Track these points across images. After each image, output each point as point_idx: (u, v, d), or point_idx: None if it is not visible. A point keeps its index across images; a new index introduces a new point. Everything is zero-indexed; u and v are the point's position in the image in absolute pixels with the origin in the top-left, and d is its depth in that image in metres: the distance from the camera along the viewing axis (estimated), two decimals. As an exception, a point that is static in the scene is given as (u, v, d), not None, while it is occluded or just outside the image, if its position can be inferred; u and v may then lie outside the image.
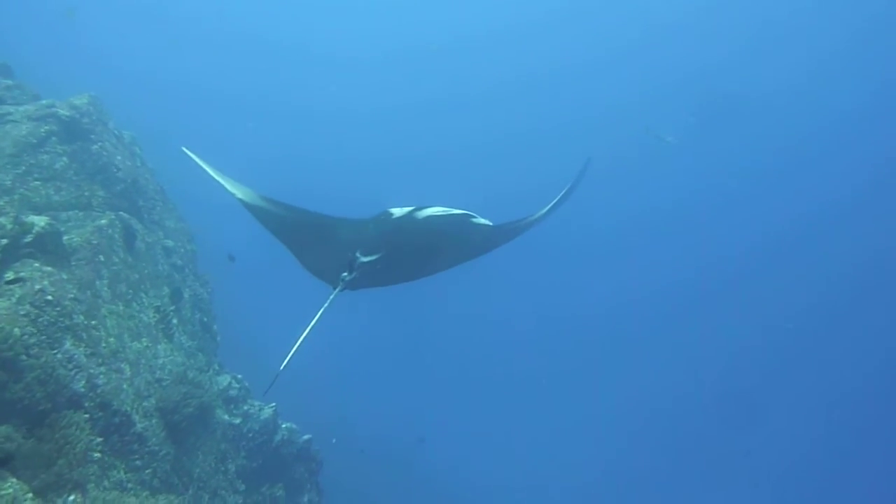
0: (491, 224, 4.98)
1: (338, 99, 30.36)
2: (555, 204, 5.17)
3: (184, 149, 4.84)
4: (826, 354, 24.99)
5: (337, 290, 4.25)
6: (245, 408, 7.92)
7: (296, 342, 3.98)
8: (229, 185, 4.61)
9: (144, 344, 6.56)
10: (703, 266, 27.11)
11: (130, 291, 6.83)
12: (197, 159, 4.72)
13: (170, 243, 8.83)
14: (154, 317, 7.09)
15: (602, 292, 26.34)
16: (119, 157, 8.18)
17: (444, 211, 4.91)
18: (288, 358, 3.94)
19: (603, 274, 26.97)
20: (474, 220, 4.96)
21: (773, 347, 25.05)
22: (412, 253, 4.75)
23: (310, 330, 4.03)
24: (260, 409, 8.04)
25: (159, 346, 6.85)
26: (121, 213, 7.56)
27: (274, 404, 8.21)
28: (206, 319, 8.58)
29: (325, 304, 4.14)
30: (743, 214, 28.08)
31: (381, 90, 30.76)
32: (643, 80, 30.07)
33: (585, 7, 30.60)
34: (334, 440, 15.49)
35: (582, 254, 26.94)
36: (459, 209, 5.00)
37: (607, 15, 30.39)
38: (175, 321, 7.50)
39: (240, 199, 4.58)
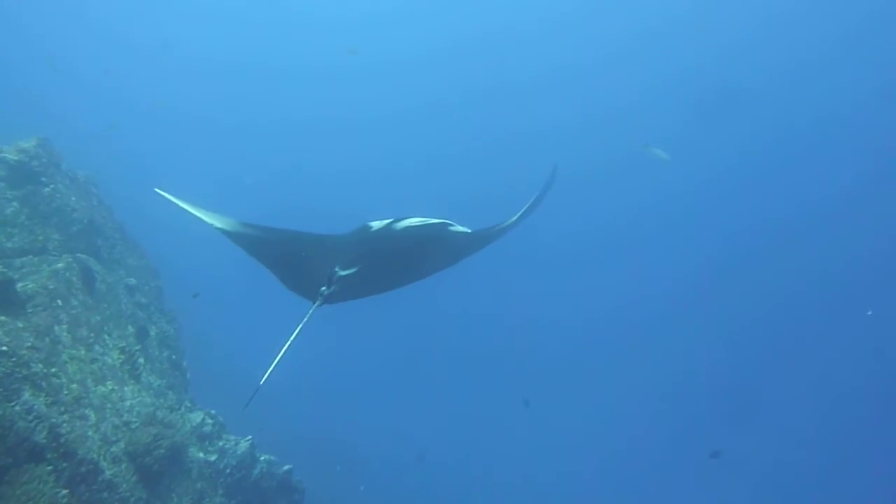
0: (468, 231, 5.08)
1: (312, 114, 30.14)
2: (527, 209, 5.28)
3: (157, 190, 4.84)
4: (821, 353, 25.06)
5: (316, 304, 4.32)
6: (220, 443, 7.75)
7: (275, 358, 4.01)
8: (207, 217, 4.66)
9: (110, 387, 6.39)
10: (696, 265, 27.16)
11: (92, 334, 6.66)
12: (171, 198, 4.74)
13: (132, 281, 8.66)
14: (119, 358, 6.92)
15: (594, 295, 26.31)
16: (74, 198, 8.02)
17: (421, 221, 5.01)
18: (268, 372, 3.96)
19: (594, 277, 26.95)
20: (451, 228, 5.07)
21: (768, 344, 25.15)
22: (390, 264, 4.83)
23: (290, 345, 4.07)
24: (236, 444, 7.88)
25: (126, 388, 6.69)
26: (78, 254, 7.40)
27: (250, 437, 8.06)
28: (174, 356, 8.40)
29: (305, 319, 4.20)
30: (736, 210, 28.15)
31: (359, 101, 30.47)
32: (637, 81, 29.98)
33: (573, 8, 30.51)
34: (362, 488, 15.27)
35: (572, 257, 26.94)
36: (437, 218, 5.10)
37: (599, 16, 30.25)
38: (142, 361, 7.33)
39: (218, 229, 4.64)
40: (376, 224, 4.96)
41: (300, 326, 4.14)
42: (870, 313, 23.25)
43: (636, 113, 29.28)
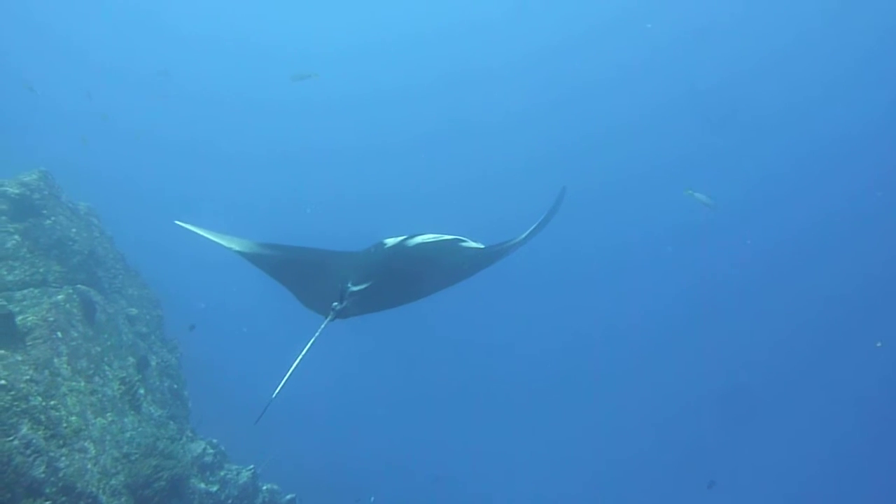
0: (481, 247, 5.22)
1: (323, 139, 30.31)
2: (535, 228, 5.39)
3: (177, 222, 5.08)
4: (831, 376, 24.87)
5: (328, 319, 4.43)
6: (222, 473, 7.68)
7: (286, 373, 4.07)
8: (225, 242, 4.89)
9: (109, 419, 6.36)
10: (701, 284, 27.11)
11: (92, 366, 6.65)
12: (191, 227, 4.98)
13: (133, 311, 8.68)
14: (119, 389, 6.90)
15: (599, 312, 26.28)
16: (74, 230, 8.07)
17: (434, 237, 5.15)
18: (280, 386, 4.04)
19: (599, 294, 26.94)
20: (464, 243, 5.21)
21: (777, 358, 25.00)
22: (402, 279, 4.96)
23: (301, 359, 4.15)
24: (237, 473, 7.81)
25: (126, 419, 6.65)
26: (79, 286, 7.42)
27: (252, 466, 7.99)
28: (175, 386, 8.37)
29: (317, 333, 4.30)
30: (745, 227, 28.19)
31: (381, 126, 30.68)
32: (646, 99, 30.14)
33: (586, 29, 30.72)
34: (372, 499, 15.11)
35: (577, 275, 26.98)
36: (450, 234, 5.25)
37: (609, 35, 30.51)
38: (142, 391, 7.31)
39: (237, 252, 4.86)
40: (390, 241, 5.11)
41: (312, 340, 4.24)
42: (879, 345, 23.04)
43: (642, 130, 29.56)
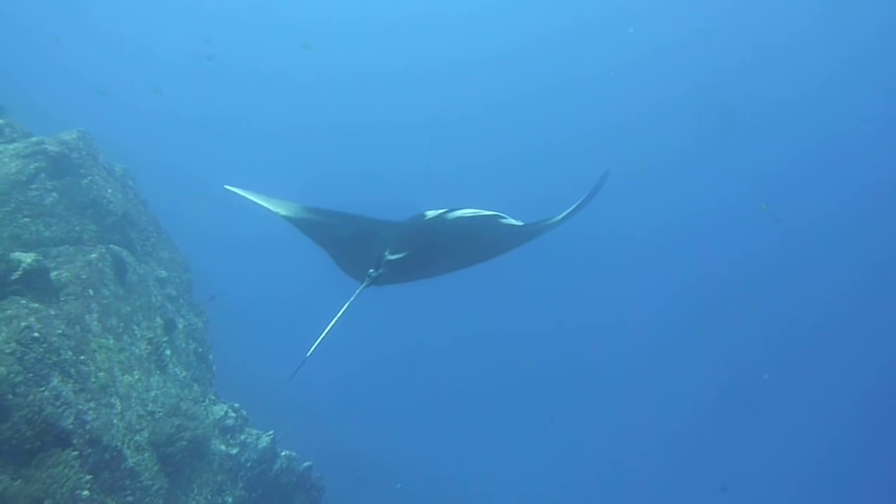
0: (519, 224, 5.29)
1: (381, 112, 30.35)
2: (574, 209, 5.41)
3: (227, 186, 5.29)
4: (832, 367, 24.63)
5: (363, 285, 4.57)
6: (242, 437, 7.83)
7: (323, 332, 4.25)
8: (272, 206, 5.06)
9: (136, 377, 6.51)
10: (705, 280, 26.92)
11: (121, 324, 6.80)
12: (240, 192, 5.17)
13: (163, 274, 8.83)
14: (146, 349, 7.05)
15: (603, 309, 26.19)
16: (110, 191, 8.21)
17: (474, 212, 5.26)
18: (314, 345, 4.20)
19: (604, 291, 26.83)
20: (503, 220, 5.28)
21: (782, 355, 24.75)
22: (437, 251, 5.07)
23: (336, 321, 4.30)
24: (258, 438, 7.95)
25: (152, 379, 6.80)
26: (112, 245, 7.56)
27: (272, 432, 8.12)
28: (201, 349, 8.53)
29: (351, 298, 4.43)
30: (746, 227, 27.87)
31: (418, 104, 30.76)
32: (648, 93, 30.10)
33: (591, 23, 30.74)
34: (399, 485, 15.35)
35: (591, 264, 26.89)
36: (490, 210, 5.33)
37: (613, 30, 30.46)
38: (168, 352, 7.46)
39: (282, 215, 5.03)
40: (430, 213, 5.23)
41: (347, 304, 4.40)
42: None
43: (644, 127, 29.11)
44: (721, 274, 26.92)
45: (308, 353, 4.19)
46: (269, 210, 5.01)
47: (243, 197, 5.18)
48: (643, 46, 30.07)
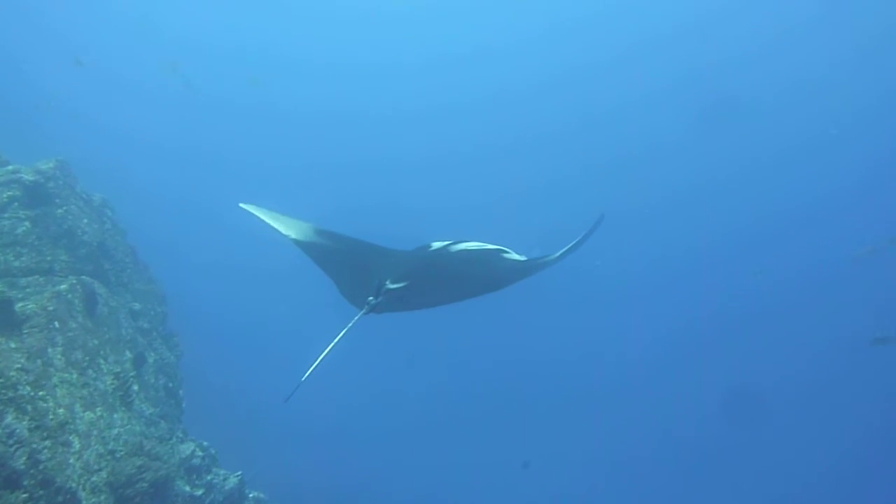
0: (521, 259, 5.34)
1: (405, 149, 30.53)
2: (571, 247, 5.48)
3: (241, 205, 5.22)
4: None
5: (361, 312, 4.58)
6: (209, 478, 7.57)
7: (317, 358, 4.18)
8: (283, 227, 5.06)
9: (98, 413, 6.30)
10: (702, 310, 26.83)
11: (87, 358, 6.61)
12: (253, 210, 5.14)
13: (137, 306, 8.66)
14: (112, 384, 6.85)
15: (617, 331, 26.02)
16: (85, 221, 8.10)
17: (478, 245, 5.29)
18: (311, 370, 4.16)
19: (619, 313, 26.70)
20: (505, 255, 5.32)
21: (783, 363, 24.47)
22: (438, 282, 5.11)
23: (332, 347, 4.24)
24: (225, 479, 7.69)
25: (115, 415, 6.59)
26: (83, 277, 7.42)
27: (240, 472, 7.87)
28: (171, 384, 8.31)
29: (349, 325, 4.43)
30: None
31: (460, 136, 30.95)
32: (643, 84, 30.27)
33: (587, 14, 30.91)
34: None
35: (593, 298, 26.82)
36: (494, 244, 5.38)
37: (608, 21, 30.69)
38: (136, 387, 7.25)
39: (293, 239, 5.01)
40: (436, 244, 5.28)
41: (344, 331, 4.34)
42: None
43: (638, 118, 29.30)
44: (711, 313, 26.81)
45: (303, 378, 4.15)
46: (279, 232, 5.03)
47: (255, 216, 5.16)
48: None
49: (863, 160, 28.23)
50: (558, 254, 5.35)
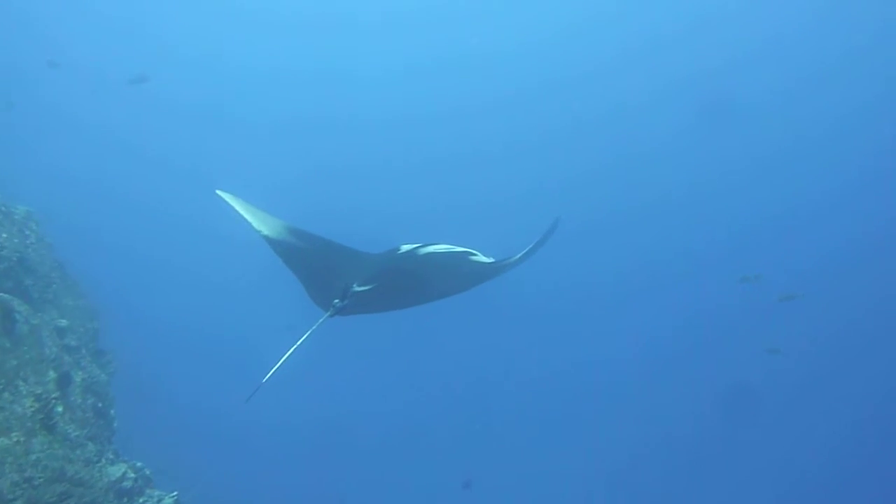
0: (488, 262, 5.36)
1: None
2: (530, 250, 5.52)
3: (218, 192, 5.08)
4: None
5: (326, 314, 4.60)
6: (141, 500, 7.25)
7: (279, 360, 4.14)
8: (256, 222, 4.91)
9: (14, 439, 5.95)
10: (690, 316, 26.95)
11: (3, 380, 6.25)
12: (230, 199, 5.00)
13: (63, 323, 8.27)
14: (32, 406, 6.48)
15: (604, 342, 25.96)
16: (4, 235, 7.70)
17: (446, 248, 5.31)
18: (271, 372, 4.13)
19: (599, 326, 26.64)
20: (473, 257, 5.34)
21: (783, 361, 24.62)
22: (405, 285, 5.17)
23: (295, 348, 4.20)
24: (159, 501, 7.38)
25: (35, 440, 6.23)
26: (1, 294, 7.03)
27: (175, 493, 7.56)
28: (101, 404, 7.94)
29: (314, 327, 4.44)
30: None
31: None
32: (640, 85, 30.62)
33: (586, 15, 31.29)
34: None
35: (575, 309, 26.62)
36: (462, 247, 5.39)
37: (604, 23, 31.08)
38: (60, 409, 6.87)
39: (264, 235, 4.89)
40: (405, 247, 5.27)
41: (309, 332, 4.34)
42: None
43: (637, 119, 29.77)
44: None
45: (264, 380, 4.09)
46: (252, 226, 4.91)
47: (230, 206, 5.02)
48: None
49: (863, 160, 28.80)
50: (517, 257, 5.44)
